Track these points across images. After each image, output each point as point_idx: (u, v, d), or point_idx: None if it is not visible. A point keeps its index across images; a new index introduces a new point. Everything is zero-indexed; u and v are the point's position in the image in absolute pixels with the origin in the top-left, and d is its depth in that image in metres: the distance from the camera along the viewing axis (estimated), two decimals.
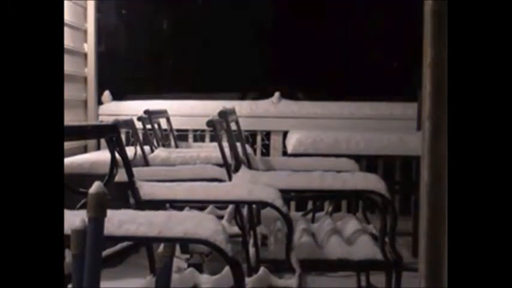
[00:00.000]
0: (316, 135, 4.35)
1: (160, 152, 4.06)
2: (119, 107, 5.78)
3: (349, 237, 3.19)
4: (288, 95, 5.80)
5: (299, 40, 7.31)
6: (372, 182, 2.86)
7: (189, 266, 2.99)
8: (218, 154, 3.07)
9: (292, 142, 4.37)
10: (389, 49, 7.27)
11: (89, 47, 5.64)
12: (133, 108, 5.45)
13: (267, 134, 5.74)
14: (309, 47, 7.33)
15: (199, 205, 3.26)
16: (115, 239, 2.07)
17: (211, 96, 5.83)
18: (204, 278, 2.57)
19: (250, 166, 3.32)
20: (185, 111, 5.66)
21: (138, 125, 4.00)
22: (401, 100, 5.56)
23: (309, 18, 7.30)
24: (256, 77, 7.47)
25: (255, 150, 5.50)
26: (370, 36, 7.24)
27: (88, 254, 1.54)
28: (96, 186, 1.56)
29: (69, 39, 5.24)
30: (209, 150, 4.19)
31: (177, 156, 3.96)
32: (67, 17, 5.11)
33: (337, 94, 5.94)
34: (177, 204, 3.05)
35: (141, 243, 2.61)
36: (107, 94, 5.90)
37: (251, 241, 2.93)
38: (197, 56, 7.54)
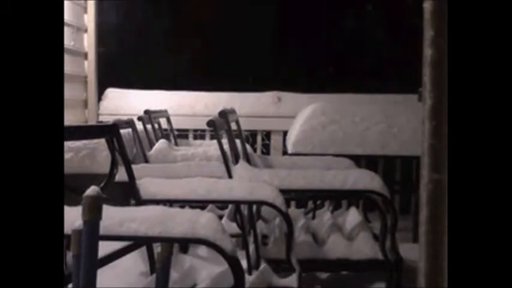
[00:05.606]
0: (316, 136, 4.34)
1: (161, 146, 4.03)
2: (120, 101, 5.75)
3: (350, 234, 3.19)
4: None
5: (299, 38, 7.31)
6: (371, 181, 2.85)
7: None
8: (219, 152, 3.07)
9: (292, 141, 4.37)
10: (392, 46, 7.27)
11: (89, 47, 5.63)
12: (134, 105, 5.43)
13: (267, 134, 5.72)
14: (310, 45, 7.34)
15: (200, 204, 3.25)
16: (115, 239, 2.06)
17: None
18: (204, 276, 2.57)
19: (249, 164, 3.32)
20: (188, 102, 5.66)
21: (139, 124, 3.99)
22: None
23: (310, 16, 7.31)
24: (256, 74, 7.47)
25: (255, 150, 5.48)
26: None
27: (83, 256, 1.53)
28: (91, 189, 1.56)
29: (69, 39, 5.23)
30: (210, 148, 4.18)
31: (178, 154, 3.95)
32: (67, 16, 5.11)
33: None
34: (177, 204, 3.05)
35: (142, 243, 2.61)
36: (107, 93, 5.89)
37: (251, 239, 2.93)
38: (197, 54, 7.54)
